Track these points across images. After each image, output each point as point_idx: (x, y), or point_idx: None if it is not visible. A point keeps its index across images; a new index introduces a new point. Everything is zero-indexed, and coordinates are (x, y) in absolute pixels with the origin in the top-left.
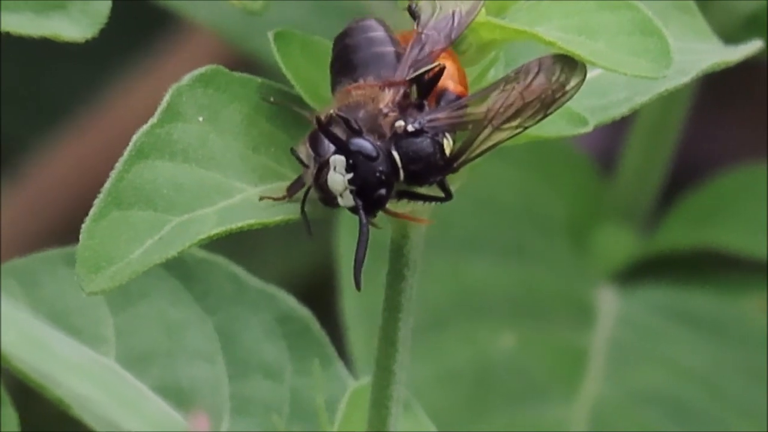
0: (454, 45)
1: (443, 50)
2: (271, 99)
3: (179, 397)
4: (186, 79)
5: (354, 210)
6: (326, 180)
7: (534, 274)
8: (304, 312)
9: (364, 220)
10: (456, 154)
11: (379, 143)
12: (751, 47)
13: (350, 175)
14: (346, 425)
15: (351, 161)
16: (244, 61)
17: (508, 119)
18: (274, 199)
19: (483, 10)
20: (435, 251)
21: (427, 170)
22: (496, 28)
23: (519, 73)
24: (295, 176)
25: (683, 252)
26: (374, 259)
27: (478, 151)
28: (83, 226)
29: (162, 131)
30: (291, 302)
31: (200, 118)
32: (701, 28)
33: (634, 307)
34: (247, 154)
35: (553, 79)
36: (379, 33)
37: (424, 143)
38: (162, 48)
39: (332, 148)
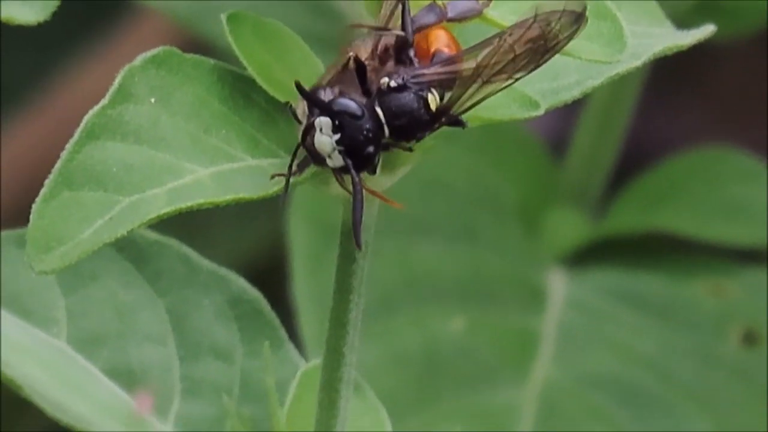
0: None
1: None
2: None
3: (130, 379)
4: (138, 60)
5: (345, 170)
6: (313, 142)
7: (484, 258)
8: (254, 294)
9: (357, 179)
10: (443, 109)
11: (364, 101)
12: (702, 32)
13: (337, 136)
14: (296, 407)
15: (337, 122)
16: (198, 45)
17: (498, 72)
18: (284, 175)
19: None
20: (385, 235)
21: (411, 125)
22: None
23: (514, 27)
24: (246, 158)
25: (633, 236)
26: (325, 242)
27: (467, 104)
28: (34, 206)
29: (113, 112)
30: (242, 284)
31: (152, 100)
32: (653, 11)
33: (584, 290)
34: (198, 136)
35: (548, 29)
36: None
37: (408, 98)
38: (116, 31)
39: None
